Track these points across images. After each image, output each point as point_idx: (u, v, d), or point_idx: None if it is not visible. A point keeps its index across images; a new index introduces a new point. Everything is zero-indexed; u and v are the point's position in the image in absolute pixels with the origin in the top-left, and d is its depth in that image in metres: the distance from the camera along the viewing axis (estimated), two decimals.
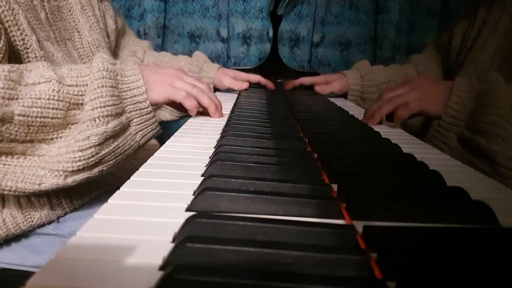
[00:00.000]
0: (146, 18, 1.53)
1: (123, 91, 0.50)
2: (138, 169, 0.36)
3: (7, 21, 0.49)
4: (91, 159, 0.45)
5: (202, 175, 0.35)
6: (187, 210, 0.28)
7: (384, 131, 0.58)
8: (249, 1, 1.56)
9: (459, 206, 0.29)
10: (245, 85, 0.94)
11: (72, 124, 0.46)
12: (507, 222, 0.28)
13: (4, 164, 0.44)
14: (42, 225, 0.56)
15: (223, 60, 1.62)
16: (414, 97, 0.60)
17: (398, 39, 1.62)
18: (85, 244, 0.22)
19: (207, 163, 0.39)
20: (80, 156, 0.44)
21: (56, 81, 0.43)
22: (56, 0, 0.65)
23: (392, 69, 0.97)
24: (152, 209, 0.28)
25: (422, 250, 0.23)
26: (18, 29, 0.51)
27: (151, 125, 0.54)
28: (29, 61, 0.52)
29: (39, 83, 0.43)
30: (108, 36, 0.79)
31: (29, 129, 0.43)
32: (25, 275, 0.55)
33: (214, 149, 0.43)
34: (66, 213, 0.58)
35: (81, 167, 0.45)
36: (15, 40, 0.50)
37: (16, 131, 0.42)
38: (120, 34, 0.89)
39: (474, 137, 0.54)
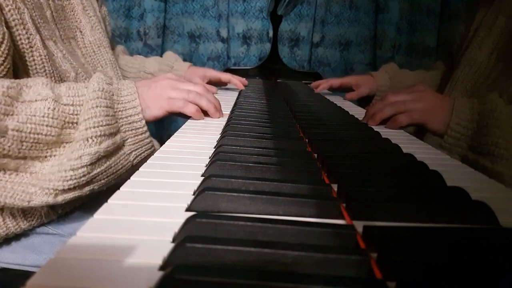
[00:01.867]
0: (146, 18, 1.53)
1: (119, 110, 0.50)
2: (138, 169, 0.36)
3: (13, 20, 0.50)
4: (82, 178, 0.45)
5: (202, 175, 0.35)
6: (187, 210, 0.28)
7: (384, 131, 0.58)
8: (249, 1, 1.56)
9: (459, 206, 0.29)
10: (213, 89, 0.85)
11: (67, 143, 0.46)
12: (507, 222, 0.28)
13: None
14: (42, 224, 0.56)
15: (223, 60, 1.62)
16: (418, 108, 0.60)
17: (398, 39, 1.62)
18: (85, 244, 0.22)
19: (207, 163, 0.39)
20: (71, 175, 0.44)
21: (53, 99, 0.44)
22: (60, 0, 0.66)
23: (419, 74, 0.96)
24: (152, 209, 0.28)
25: (422, 250, 0.23)
26: (24, 28, 0.51)
27: (145, 145, 0.54)
28: (33, 60, 0.53)
29: (36, 100, 0.43)
30: (108, 37, 0.80)
31: (22, 145, 0.43)
32: (25, 275, 0.55)
33: (214, 149, 0.43)
34: (66, 213, 0.58)
35: (71, 186, 0.45)
36: (20, 39, 0.51)
37: (9, 146, 0.42)
38: None
39: (478, 159, 0.54)
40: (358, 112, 0.75)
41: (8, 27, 0.49)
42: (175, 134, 0.52)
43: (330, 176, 0.35)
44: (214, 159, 0.37)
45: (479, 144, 0.53)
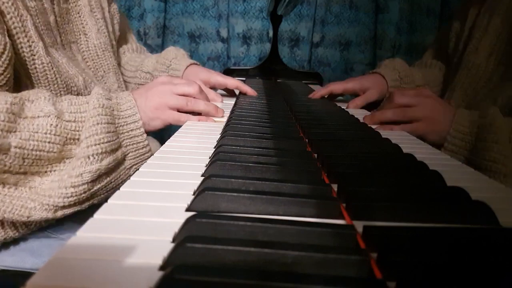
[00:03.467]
0: (146, 18, 1.53)
1: (120, 125, 0.51)
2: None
3: (15, 28, 0.49)
4: (83, 195, 0.46)
5: (202, 175, 0.35)
6: (187, 210, 0.28)
7: (384, 131, 0.58)
8: (249, 1, 1.56)
9: (459, 206, 0.29)
10: (218, 99, 0.79)
11: (68, 158, 0.47)
12: (507, 222, 0.28)
13: None
14: (41, 228, 0.56)
15: (223, 60, 1.62)
16: (419, 116, 0.60)
17: (398, 39, 1.62)
18: (85, 244, 0.22)
19: (207, 163, 0.39)
20: (72, 192, 0.45)
21: (55, 116, 0.44)
22: (66, 3, 0.65)
23: (426, 72, 0.90)
24: (152, 209, 0.28)
25: (422, 250, 0.23)
26: (26, 36, 0.51)
27: (146, 158, 0.54)
28: (35, 68, 0.53)
29: (38, 116, 0.43)
30: (115, 39, 0.79)
31: (23, 162, 0.43)
32: (25, 275, 0.55)
33: (214, 149, 0.43)
34: (65, 216, 0.58)
35: (72, 203, 0.46)
36: (22, 47, 0.51)
37: (10, 162, 0.42)
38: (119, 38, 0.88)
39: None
40: (359, 112, 0.75)
41: (10, 35, 0.49)
42: (175, 134, 0.52)
43: (330, 176, 0.35)
44: (214, 159, 0.37)
45: (477, 158, 0.53)
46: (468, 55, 0.78)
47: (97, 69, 0.72)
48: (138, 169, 0.53)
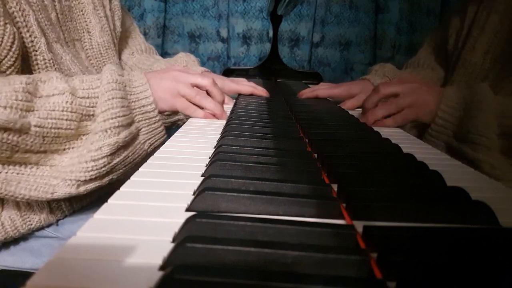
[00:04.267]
0: (146, 18, 1.53)
1: (132, 101, 0.51)
2: (138, 169, 0.36)
3: (16, 23, 0.50)
4: (103, 168, 0.47)
5: (202, 175, 0.35)
6: (187, 210, 0.28)
7: (384, 131, 0.58)
8: (249, 1, 1.56)
9: (459, 206, 0.29)
10: (228, 102, 0.77)
11: (84, 135, 0.47)
12: (507, 222, 0.28)
13: (18, 173, 0.45)
14: (41, 228, 0.56)
15: (223, 60, 1.62)
16: (407, 104, 0.60)
17: (398, 39, 1.62)
18: (84, 244, 0.22)
19: (207, 163, 0.39)
20: (92, 166, 0.46)
21: (69, 93, 0.45)
22: (68, 0, 0.65)
23: (417, 74, 0.89)
24: (152, 209, 0.28)
25: (422, 250, 0.23)
26: (28, 31, 0.51)
27: (158, 133, 0.55)
28: (36, 64, 0.53)
29: (53, 95, 0.44)
30: (116, 37, 0.79)
31: (44, 140, 0.44)
32: (25, 275, 0.55)
33: (214, 149, 0.43)
34: (65, 216, 0.58)
35: (93, 177, 0.46)
36: (24, 42, 0.51)
37: (31, 142, 0.43)
38: (122, 36, 0.87)
39: (460, 146, 0.55)
40: (358, 112, 0.75)
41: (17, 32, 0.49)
42: (175, 134, 0.52)
43: (330, 176, 0.35)
44: (214, 159, 0.37)
45: (464, 132, 0.54)
46: (465, 53, 0.78)
47: (100, 67, 0.72)
48: (152, 144, 0.54)
